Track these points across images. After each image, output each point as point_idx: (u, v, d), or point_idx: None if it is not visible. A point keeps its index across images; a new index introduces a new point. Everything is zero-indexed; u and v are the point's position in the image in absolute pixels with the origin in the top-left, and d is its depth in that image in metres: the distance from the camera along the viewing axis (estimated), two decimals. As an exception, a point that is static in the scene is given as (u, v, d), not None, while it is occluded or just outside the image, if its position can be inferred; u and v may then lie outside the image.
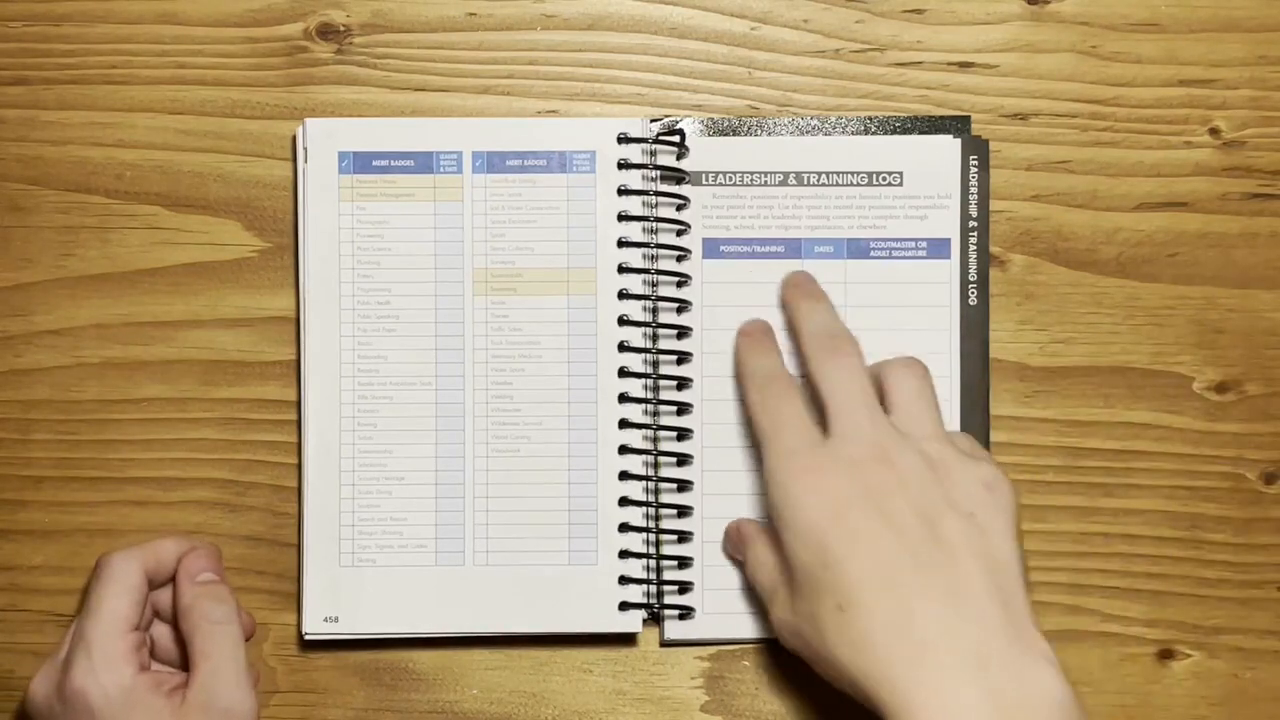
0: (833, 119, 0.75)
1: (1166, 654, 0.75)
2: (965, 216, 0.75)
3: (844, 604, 0.64)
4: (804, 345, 0.72)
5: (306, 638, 0.74)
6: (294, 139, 0.75)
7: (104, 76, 0.75)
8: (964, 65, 0.76)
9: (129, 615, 0.68)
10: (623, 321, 0.74)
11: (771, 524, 0.69)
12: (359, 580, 0.73)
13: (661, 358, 0.74)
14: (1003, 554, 0.65)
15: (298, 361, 0.74)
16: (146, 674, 0.67)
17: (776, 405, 0.70)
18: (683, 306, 0.74)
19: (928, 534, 0.65)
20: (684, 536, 0.74)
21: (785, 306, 0.74)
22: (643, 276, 0.74)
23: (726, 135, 0.75)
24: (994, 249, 0.75)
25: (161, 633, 0.71)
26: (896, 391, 0.70)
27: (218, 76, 0.75)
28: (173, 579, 0.71)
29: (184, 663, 0.70)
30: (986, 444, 0.74)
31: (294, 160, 0.75)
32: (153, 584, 0.70)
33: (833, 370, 0.70)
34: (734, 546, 0.74)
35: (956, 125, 0.75)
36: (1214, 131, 0.76)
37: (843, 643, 0.64)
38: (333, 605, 0.73)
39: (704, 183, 0.75)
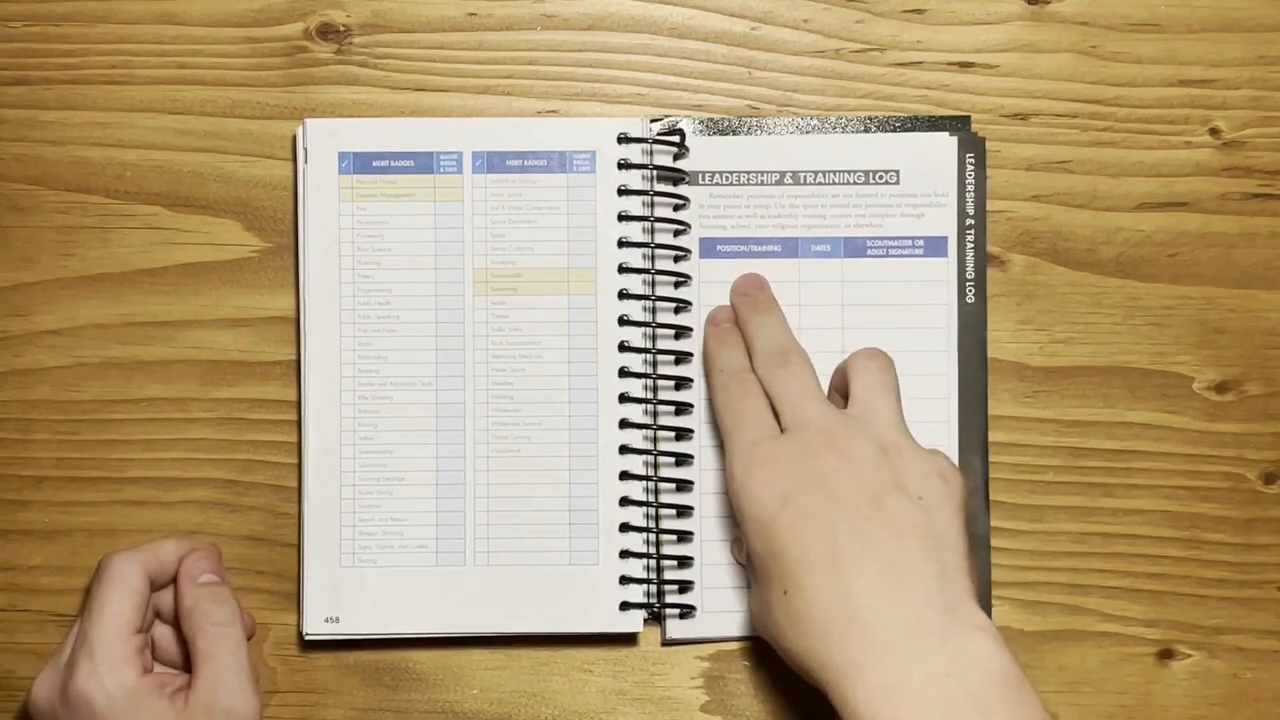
0: (832, 119, 0.75)
1: (1166, 654, 0.75)
2: (962, 214, 0.75)
3: (789, 588, 0.65)
4: (756, 362, 0.73)
5: (307, 638, 0.74)
6: (294, 139, 0.75)
7: (104, 76, 0.75)
8: (964, 65, 0.76)
9: (131, 617, 0.68)
10: (623, 321, 0.74)
11: None
12: (359, 580, 0.73)
13: (661, 358, 0.74)
14: (946, 533, 0.66)
15: (298, 361, 0.74)
16: (149, 676, 0.67)
17: (740, 401, 0.71)
18: (682, 306, 0.74)
19: (873, 513, 0.65)
20: (684, 536, 0.74)
21: (737, 317, 0.74)
22: (642, 276, 0.74)
23: (726, 135, 0.75)
24: (994, 249, 0.75)
25: (163, 633, 0.71)
26: (856, 383, 0.71)
27: (218, 76, 0.75)
28: (174, 580, 0.71)
29: (186, 664, 0.70)
30: (985, 442, 0.74)
31: (294, 160, 0.75)
32: (154, 585, 0.70)
33: (783, 377, 0.71)
34: (736, 548, 0.74)
35: (956, 125, 0.75)
36: (1214, 131, 0.76)
37: (788, 625, 0.65)
38: (333, 605, 0.73)
39: (701, 182, 0.75)
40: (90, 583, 0.70)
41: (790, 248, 0.75)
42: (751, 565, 0.69)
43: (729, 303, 0.75)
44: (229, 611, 0.69)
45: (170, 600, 0.71)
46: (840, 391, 0.72)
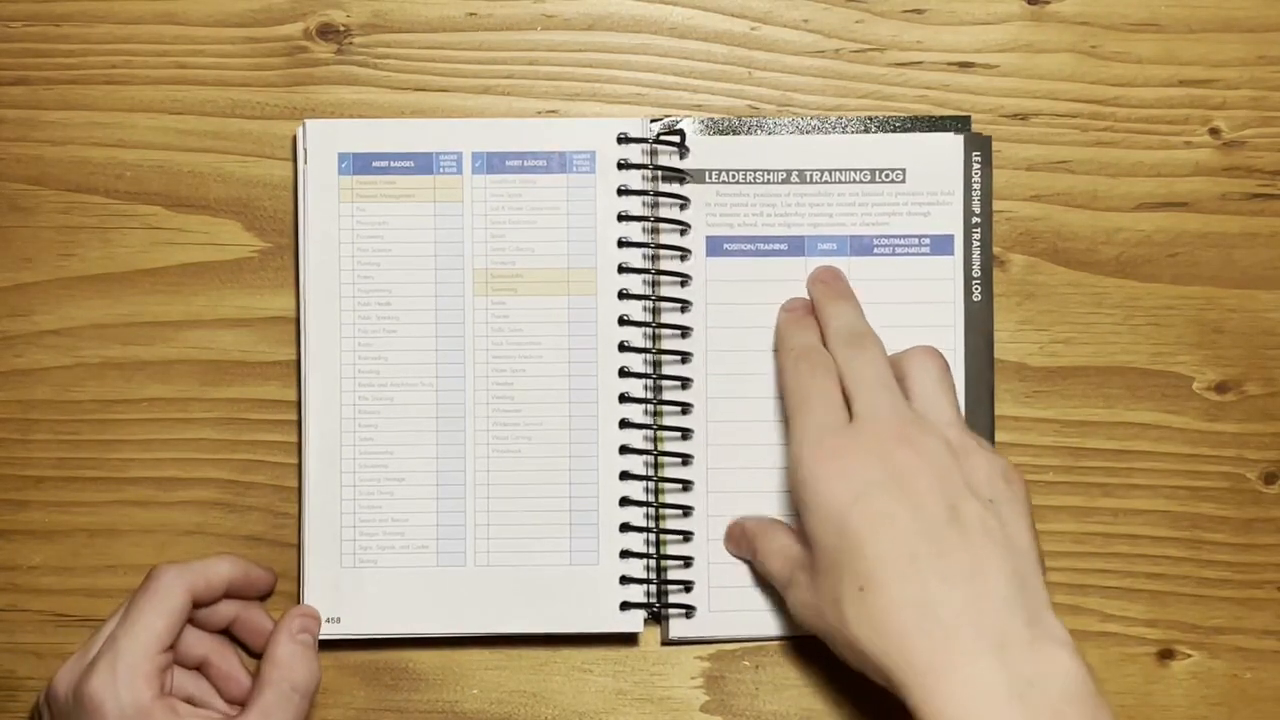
0: (833, 119, 0.75)
1: (1166, 654, 0.75)
2: (968, 213, 0.75)
3: (865, 585, 0.64)
4: (830, 342, 0.72)
5: (307, 638, 0.74)
6: (294, 139, 0.75)
7: (104, 76, 0.75)
8: (964, 65, 0.76)
9: (163, 635, 0.68)
10: (623, 321, 0.74)
11: (789, 510, 0.70)
12: (360, 581, 0.73)
13: (663, 357, 0.74)
14: (1020, 541, 0.65)
15: (298, 361, 0.74)
16: (163, 700, 0.67)
17: (809, 379, 0.70)
18: (684, 306, 0.74)
19: (949, 516, 0.65)
20: (686, 536, 0.74)
21: (814, 304, 0.74)
22: (642, 276, 0.74)
23: (726, 135, 0.75)
24: (994, 249, 0.75)
25: (189, 642, 0.71)
26: (916, 380, 0.70)
27: (218, 76, 0.75)
28: (218, 599, 0.71)
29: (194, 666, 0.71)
30: (992, 440, 0.74)
31: (294, 160, 0.75)
32: (198, 604, 0.70)
33: (858, 357, 0.70)
34: (737, 544, 0.74)
35: (957, 125, 0.75)
36: (1214, 131, 0.76)
37: (863, 623, 0.64)
38: (334, 606, 0.73)
39: (707, 180, 0.75)
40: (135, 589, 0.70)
41: (797, 246, 0.75)
42: (813, 556, 0.67)
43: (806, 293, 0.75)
44: (308, 679, 0.69)
45: (208, 617, 0.71)
46: None
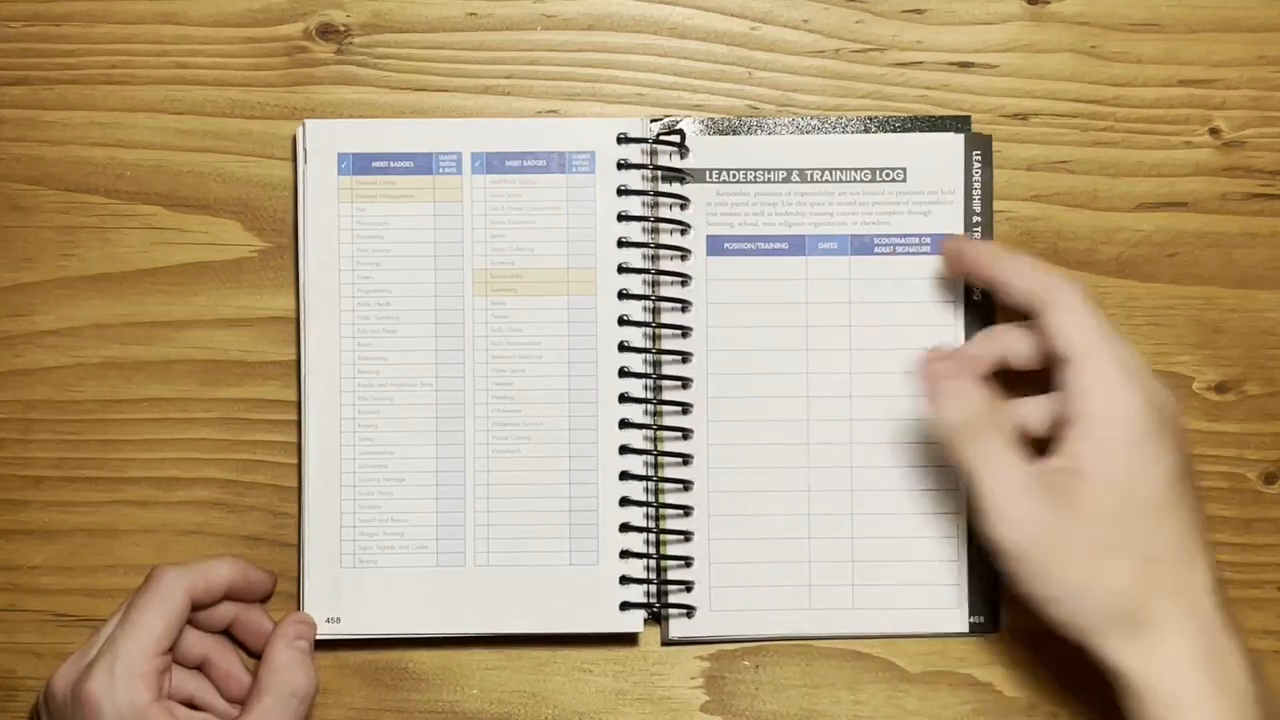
0: (833, 119, 0.75)
1: (1166, 654, 0.75)
2: (969, 212, 0.75)
3: (1155, 555, 0.65)
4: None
5: (307, 638, 0.74)
6: (294, 139, 0.75)
7: (104, 76, 0.75)
8: (964, 65, 0.76)
9: (162, 636, 0.68)
10: (623, 321, 0.74)
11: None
12: (360, 581, 0.73)
13: (663, 357, 0.74)
14: None
15: (298, 361, 0.74)
16: (160, 703, 0.67)
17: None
18: (684, 306, 0.74)
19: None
20: (686, 536, 0.74)
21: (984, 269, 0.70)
22: (642, 276, 0.74)
23: (726, 135, 0.75)
24: (994, 249, 0.75)
25: (189, 642, 0.71)
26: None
27: (218, 76, 0.75)
28: (218, 600, 0.71)
29: (198, 693, 0.71)
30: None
31: (294, 160, 0.75)
32: (197, 606, 0.70)
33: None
34: (937, 376, 0.68)
35: (957, 125, 0.75)
36: (1214, 131, 0.76)
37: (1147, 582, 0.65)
38: (334, 606, 0.73)
39: (708, 180, 0.75)
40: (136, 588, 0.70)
41: (797, 245, 0.75)
42: (1087, 493, 0.65)
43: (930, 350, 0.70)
44: (306, 685, 0.70)
45: (208, 619, 0.71)
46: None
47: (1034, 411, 0.69)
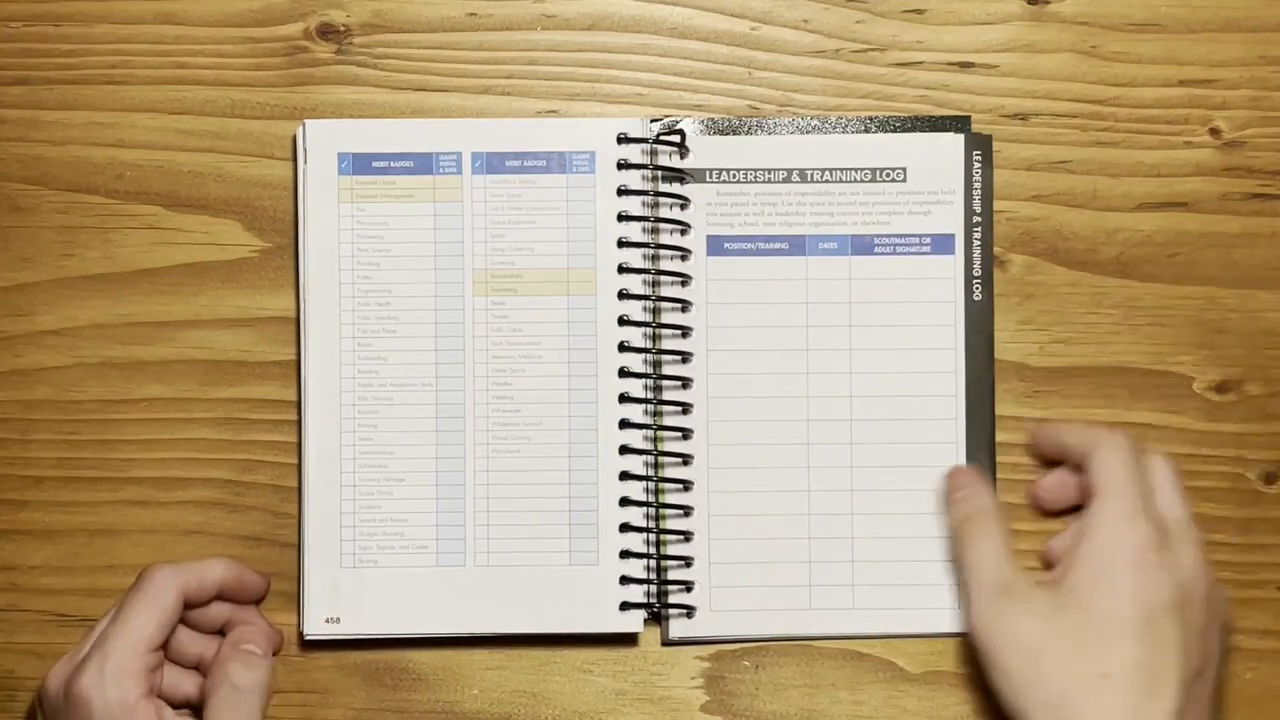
0: (833, 119, 0.75)
1: (1166, 654, 0.75)
2: (969, 212, 0.75)
3: (1110, 676, 0.66)
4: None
5: (307, 638, 0.74)
6: (294, 139, 0.75)
7: (104, 76, 0.75)
8: (964, 65, 0.76)
9: (154, 635, 0.68)
10: (623, 321, 0.74)
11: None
12: (360, 581, 0.73)
13: (663, 357, 0.74)
14: None
15: (298, 361, 0.74)
16: (149, 701, 0.67)
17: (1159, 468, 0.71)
18: (684, 306, 0.74)
19: (1201, 666, 0.67)
20: (686, 536, 0.74)
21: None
22: (642, 277, 0.74)
23: (726, 135, 0.75)
24: (994, 249, 0.75)
25: (183, 641, 0.71)
26: (1168, 485, 0.71)
27: (218, 76, 0.75)
28: (210, 600, 0.71)
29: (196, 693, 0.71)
30: (993, 440, 0.74)
31: (294, 160, 0.75)
32: (189, 605, 0.70)
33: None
34: (954, 486, 0.74)
35: (957, 125, 0.75)
36: (1214, 131, 0.76)
37: (1092, 696, 0.66)
38: (334, 606, 0.73)
39: (708, 180, 0.75)
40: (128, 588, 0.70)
41: (797, 245, 0.75)
42: (1069, 597, 0.68)
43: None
44: (254, 678, 0.69)
45: (202, 619, 0.71)
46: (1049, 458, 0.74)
47: (1059, 540, 0.73)
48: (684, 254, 0.74)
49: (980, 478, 0.74)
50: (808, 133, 0.75)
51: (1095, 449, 0.71)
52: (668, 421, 0.74)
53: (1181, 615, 0.67)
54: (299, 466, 0.74)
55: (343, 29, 0.76)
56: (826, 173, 0.75)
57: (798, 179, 0.75)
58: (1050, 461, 0.74)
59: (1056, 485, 0.73)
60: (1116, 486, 0.69)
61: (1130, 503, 0.69)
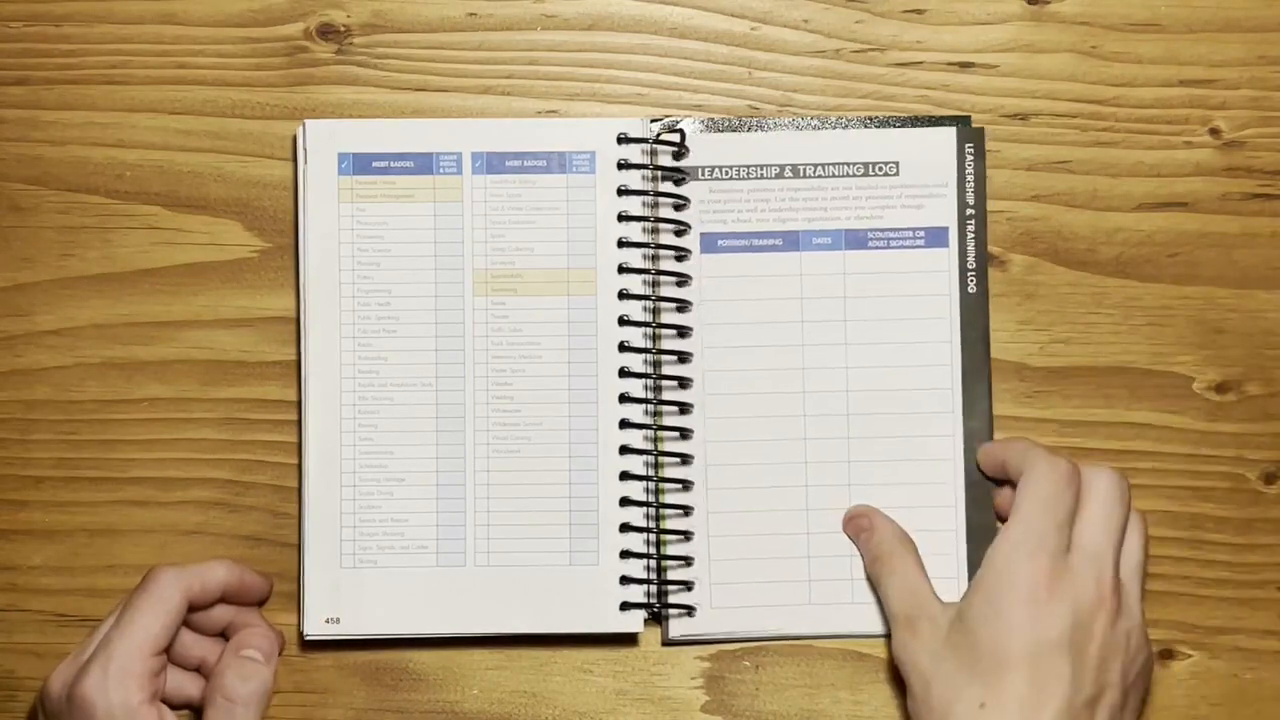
0: (833, 119, 0.75)
1: (1166, 654, 0.75)
2: (963, 205, 0.75)
3: (988, 706, 0.66)
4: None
5: (307, 638, 0.74)
6: (294, 139, 0.75)
7: (104, 76, 0.75)
8: (964, 65, 0.76)
9: (158, 637, 0.68)
10: (623, 321, 0.74)
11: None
12: (360, 581, 0.73)
13: (663, 357, 0.74)
14: None
15: (298, 361, 0.74)
16: (152, 705, 0.67)
17: (1059, 485, 0.70)
18: (683, 306, 0.74)
19: (1093, 698, 0.67)
20: (686, 535, 0.74)
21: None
22: (643, 276, 0.74)
23: (726, 135, 0.75)
24: (994, 249, 0.75)
25: (186, 643, 0.71)
26: (1099, 523, 0.70)
27: (218, 76, 0.75)
28: (214, 602, 0.71)
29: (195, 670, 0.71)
30: (990, 433, 0.74)
31: (294, 160, 0.75)
32: (193, 607, 0.70)
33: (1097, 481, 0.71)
34: (856, 531, 0.74)
35: (956, 126, 0.75)
36: (1214, 131, 0.76)
37: None
38: (334, 606, 0.73)
39: (701, 177, 0.75)
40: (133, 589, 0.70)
41: (791, 241, 0.75)
42: (958, 636, 0.69)
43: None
44: (249, 691, 0.69)
45: (205, 621, 0.71)
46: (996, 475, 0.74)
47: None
48: (684, 254, 0.74)
49: (879, 514, 0.74)
50: (808, 133, 0.75)
51: (1026, 473, 0.70)
52: (667, 421, 0.74)
53: (1073, 650, 0.67)
54: (299, 466, 0.74)
55: (343, 29, 0.76)
56: (819, 168, 0.75)
57: (790, 174, 0.75)
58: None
59: (1008, 504, 0.73)
60: (1024, 516, 0.69)
61: (1034, 535, 0.68)
